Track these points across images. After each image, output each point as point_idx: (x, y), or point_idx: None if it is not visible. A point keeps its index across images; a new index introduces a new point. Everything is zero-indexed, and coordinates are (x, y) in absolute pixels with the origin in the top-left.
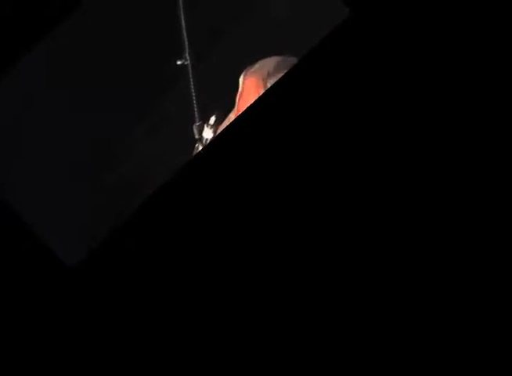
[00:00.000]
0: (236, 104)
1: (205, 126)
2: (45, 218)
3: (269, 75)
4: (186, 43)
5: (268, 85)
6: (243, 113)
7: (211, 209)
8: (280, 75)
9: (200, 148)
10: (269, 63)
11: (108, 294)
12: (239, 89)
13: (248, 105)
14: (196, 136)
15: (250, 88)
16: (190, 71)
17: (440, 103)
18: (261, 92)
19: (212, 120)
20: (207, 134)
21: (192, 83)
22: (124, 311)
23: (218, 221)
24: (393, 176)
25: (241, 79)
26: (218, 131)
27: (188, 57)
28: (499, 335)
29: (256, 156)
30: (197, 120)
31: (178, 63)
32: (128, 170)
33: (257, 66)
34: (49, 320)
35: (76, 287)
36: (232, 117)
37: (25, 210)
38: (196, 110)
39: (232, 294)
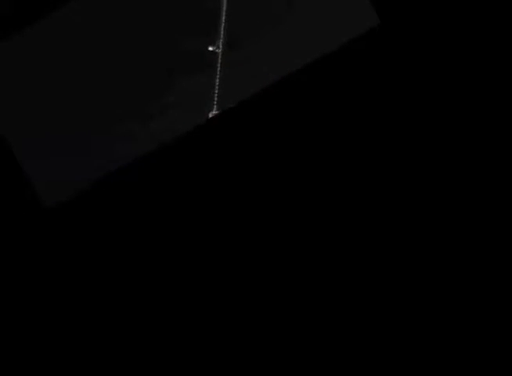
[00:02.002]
0: None
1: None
2: (37, 157)
3: None
4: (222, 31)
5: None
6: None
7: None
8: None
9: None
10: None
11: (81, 238)
12: None
13: None
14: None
15: None
16: (219, 59)
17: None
18: None
19: None
20: None
21: (218, 70)
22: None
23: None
24: (393, 176)
25: None
26: None
27: (221, 45)
28: (499, 335)
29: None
30: (215, 108)
31: (210, 49)
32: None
33: None
34: (20, 255)
35: (49, 227)
36: None
37: (18, 145)
38: (216, 98)
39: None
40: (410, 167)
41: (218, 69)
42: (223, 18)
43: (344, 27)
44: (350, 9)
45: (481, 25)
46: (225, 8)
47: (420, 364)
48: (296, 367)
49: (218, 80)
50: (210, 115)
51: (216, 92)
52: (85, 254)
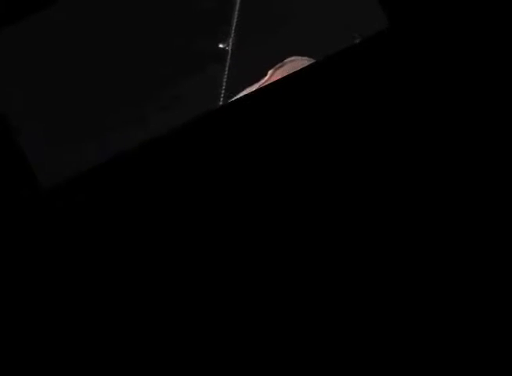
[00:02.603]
0: None
1: None
2: (38, 138)
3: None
4: (233, 28)
5: None
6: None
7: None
8: None
9: None
10: (298, 62)
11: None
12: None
13: None
14: None
15: None
16: (229, 57)
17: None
18: None
19: None
20: None
21: (227, 69)
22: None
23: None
24: (393, 175)
25: (269, 73)
26: None
27: (231, 43)
28: (499, 335)
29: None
30: (221, 103)
31: (220, 46)
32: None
33: (287, 63)
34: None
35: (46, 209)
36: None
37: (20, 125)
38: (222, 96)
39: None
40: (416, 169)
41: (227, 66)
42: (235, 16)
43: (353, 29)
44: (358, 11)
45: (492, 31)
46: (238, 6)
47: (420, 364)
48: (296, 367)
49: (225, 77)
50: (217, 107)
51: (223, 88)
52: (82, 237)
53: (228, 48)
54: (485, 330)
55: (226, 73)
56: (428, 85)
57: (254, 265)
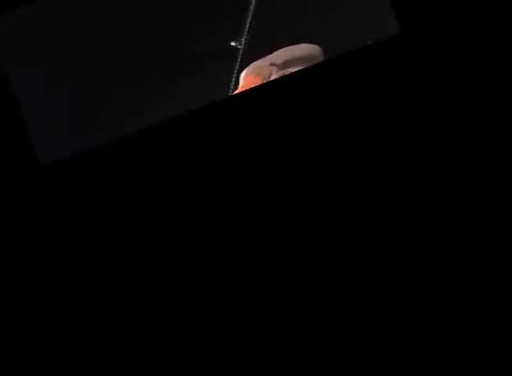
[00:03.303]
0: None
1: None
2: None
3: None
4: (247, 28)
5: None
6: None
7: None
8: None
9: None
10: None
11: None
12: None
13: None
14: None
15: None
16: (240, 56)
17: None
18: None
19: None
20: None
21: (237, 67)
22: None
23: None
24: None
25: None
26: None
27: (243, 41)
28: (499, 335)
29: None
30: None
31: (232, 44)
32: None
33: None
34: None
35: (44, 185)
36: None
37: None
38: (230, 90)
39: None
40: (425, 172)
41: (237, 65)
42: (250, 15)
43: (365, 31)
44: (371, 14)
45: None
46: (252, 6)
47: (420, 364)
48: (296, 367)
49: (234, 75)
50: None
51: (232, 85)
52: (79, 216)
53: (240, 47)
54: (485, 330)
55: (236, 70)
56: (434, 91)
57: (252, 259)
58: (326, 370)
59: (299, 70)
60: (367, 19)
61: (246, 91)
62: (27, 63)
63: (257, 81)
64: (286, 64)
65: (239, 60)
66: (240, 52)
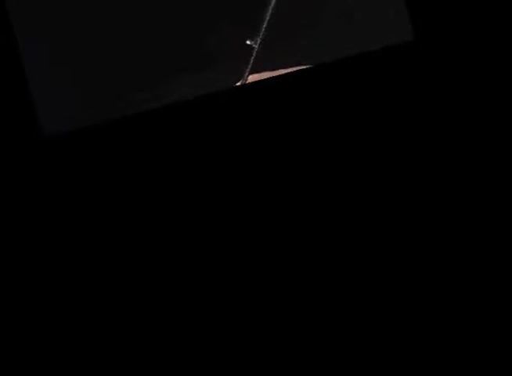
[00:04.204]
0: None
1: None
2: (48, 84)
3: None
4: (264, 27)
5: None
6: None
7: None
8: None
9: None
10: None
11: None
12: None
13: None
14: None
15: None
16: (253, 56)
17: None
18: None
19: None
20: None
21: (249, 67)
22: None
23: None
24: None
25: None
26: None
27: (258, 41)
28: (499, 335)
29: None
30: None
31: (247, 42)
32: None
33: None
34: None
35: (46, 156)
36: None
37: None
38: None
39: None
40: (431, 178)
41: (250, 64)
42: (268, 15)
43: (377, 35)
44: (387, 19)
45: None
46: (272, 5)
47: (420, 364)
48: (296, 367)
49: (247, 73)
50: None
51: (245, 81)
52: (80, 190)
53: (256, 46)
54: (485, 330)
55: (248, 70)
56: (445, 97)
57: (251, 257)
58: (326, 370)
59: (309, 68)
60: (382, 23)
61: (255, 82)
62: (41, 34)
63: None
64: None
65: (252, 60)
66: (255, 52)
